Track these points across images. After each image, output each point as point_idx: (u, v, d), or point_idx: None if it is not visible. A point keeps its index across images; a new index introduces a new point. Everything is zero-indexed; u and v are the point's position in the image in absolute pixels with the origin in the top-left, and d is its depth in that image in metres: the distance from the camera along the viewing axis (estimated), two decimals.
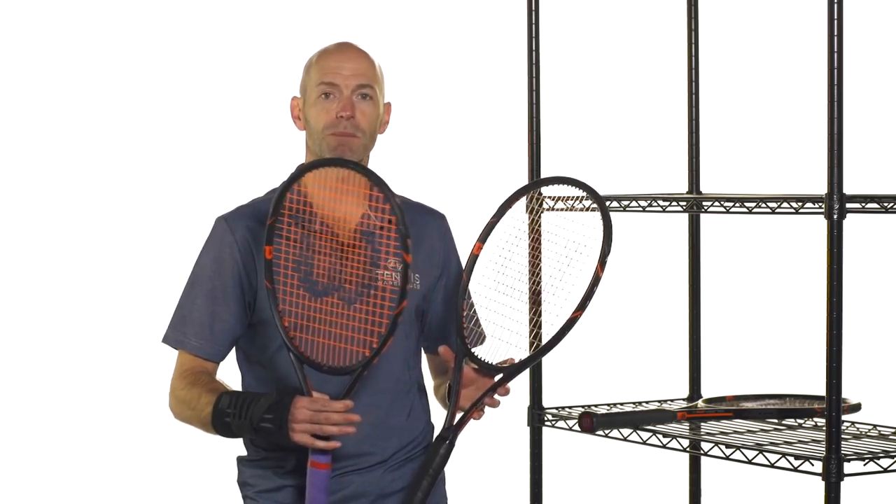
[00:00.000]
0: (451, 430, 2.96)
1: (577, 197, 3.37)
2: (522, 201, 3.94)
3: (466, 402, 3.02)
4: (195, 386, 3.07)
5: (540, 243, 3.23)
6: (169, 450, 5.43)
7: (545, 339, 3.01)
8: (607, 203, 3.26)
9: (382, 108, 3.17)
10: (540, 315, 3.12)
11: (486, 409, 3.02)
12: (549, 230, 3.14)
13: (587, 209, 3.14)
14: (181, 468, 5.49)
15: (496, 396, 3.00)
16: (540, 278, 3.22)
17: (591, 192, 3.07)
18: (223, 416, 2.98)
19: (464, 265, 3.11)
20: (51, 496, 5.51)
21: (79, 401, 5.60)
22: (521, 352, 3.04)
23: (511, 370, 3.00)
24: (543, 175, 3.84)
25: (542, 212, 3.61)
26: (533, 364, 3.03)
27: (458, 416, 2.98)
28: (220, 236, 3.14)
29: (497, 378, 3.01)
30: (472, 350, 3.05)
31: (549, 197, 3.64)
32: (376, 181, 2.97)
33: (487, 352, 3.04)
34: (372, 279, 3.04)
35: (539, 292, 3.21)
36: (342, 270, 3.05)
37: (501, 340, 3.05)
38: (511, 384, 3.02)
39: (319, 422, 2.88)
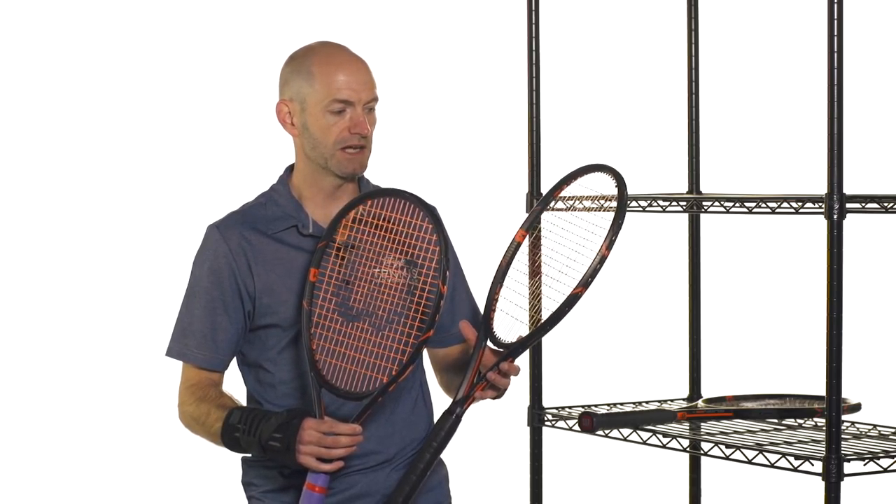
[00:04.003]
0: (458, 405, 2.98)
1: (578, 197, 3.37)
2: (523, 196, 3.95)
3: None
4: (204, 401, 3.09)
5: (540, 236, 3.23)
6: (174, 450, 5.43)
7: (547, 316, 3.01)
8: (608, 203, 3.26)
9: None
10: (540, 294, 3.12)
11: (493, 400, 3.04)
12: (560, 217, 3.14)
13: (587, 209, 3.14)
14: (186, 468, 5.49)
15: (508, 377, 3.00)
16: (539, 261, 3.23)
17: (618, 177, 3.06)
18: (233, 431, 3.00)
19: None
20: (56, 495, 5.52)
21: (84, 401, 5.60)
22: (527, 331, 3.05)
23: (515, 346, 3.00)
24: (545, 173, 3.86)
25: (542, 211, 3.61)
26: (537, 340, 3.04)
27: (468, 391, 2.99)
28: (213, 246, 3.13)
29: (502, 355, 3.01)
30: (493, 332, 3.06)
31: None
32: (429, 212, 3.01)
33: (502, 332, 3.04)
34: (405, 306, 3.05)
35: (540, 273, 3.21)
36: (378, 296, 3.06)
37: (515, 319, 3.06)
38: (511, 384, 3.03)
39: (326, 445, 2.93)
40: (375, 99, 3.11)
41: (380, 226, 3.09)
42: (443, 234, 3.00)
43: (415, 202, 3.04)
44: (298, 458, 2.95)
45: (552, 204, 3.15)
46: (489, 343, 3.03)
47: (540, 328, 3.00)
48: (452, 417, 2.98)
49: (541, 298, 3.09)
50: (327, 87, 3.07)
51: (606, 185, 3.08)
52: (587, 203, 3.20)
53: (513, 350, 2.99)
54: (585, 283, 2.95)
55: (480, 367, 3.01)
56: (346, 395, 2.99)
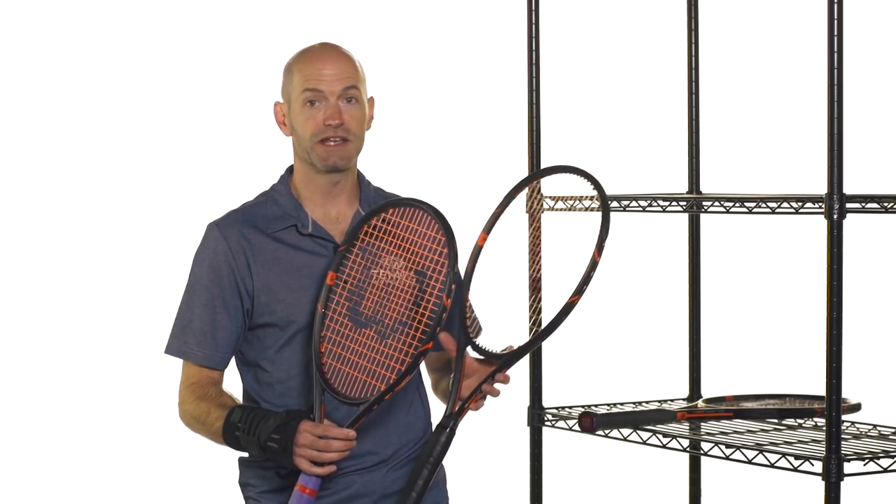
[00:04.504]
0: (451, 419, 2.97)
1: (578, 197, 3.38)
2: (523, 197, 3.95)
3: (467, 392, 3.02)
4: (204, 400, 3.10)
5: (539, 238, 3.23)
6: (173, 450, 5.43)
7: (543, 325, 3.01)
8: (592, 203, 3.27)
9: (367, 106, 3.17)
10: (539, 302, 3.12)
11: (487, 400, 3.03)
12: (550, 222, 3.15)
13: (587, 209, 3.14)
14: (185, 468, 5.49)
15: (496, 385, 3.01)
16: (539, 266, 3.23)
17: (592, 180, 3.07)
18: (234, 429, 3.01)
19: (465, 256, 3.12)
20: (56, 495, 5.52)
21: (84, 401, 5.60)
22: (522, 339, 3.04)
23: (509, 357, 3.01)
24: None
25: (542, 211, 3.60)
26: (531, 350, 3.04)
27: (459, 404, 2.99)
28: (213, 244, 3.14)
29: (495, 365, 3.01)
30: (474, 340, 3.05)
31: (550, 197, 3.64)
32: (445, 226, 3.00)
33: (489, 341, 3.05)
34: (410, 316, 3.04)
35: (538, 280, 3.21)
36: (386, 304, 3.06)
37: (502, 328, 3.06)
38: (511, 383, 3.03)
39: (318, 448, 2.94)
40: (353, 87, 3.10)
41: (397, 234, 3.09)
42: (454, 249, 2.99)
43: (433, 214, 3.03)
44: (294, 459, 2.95)
45: (545, 203, 3.15)
46: (470, 351, 3.04)
47: (535, 338, 3.01)
48: (447, 431, 2.98)
49: (534, 308, 3.10)
50: (301, 79, 3.10)
51: (580, 186, 3.09)
52: (575, 204, 3.20)
53: (506, 361, 3.00)
54: (580, 291, 2.96)
55: (467, 377, 3.01)
56: (345, 400, 2.99)
